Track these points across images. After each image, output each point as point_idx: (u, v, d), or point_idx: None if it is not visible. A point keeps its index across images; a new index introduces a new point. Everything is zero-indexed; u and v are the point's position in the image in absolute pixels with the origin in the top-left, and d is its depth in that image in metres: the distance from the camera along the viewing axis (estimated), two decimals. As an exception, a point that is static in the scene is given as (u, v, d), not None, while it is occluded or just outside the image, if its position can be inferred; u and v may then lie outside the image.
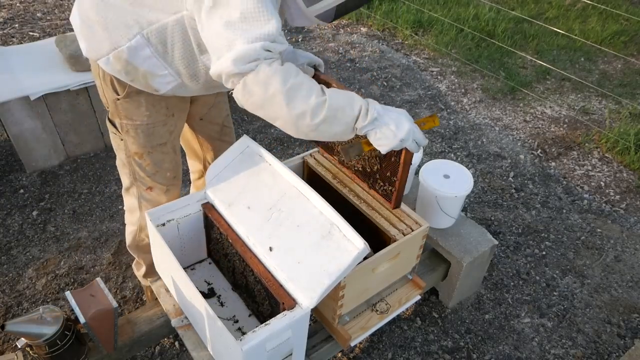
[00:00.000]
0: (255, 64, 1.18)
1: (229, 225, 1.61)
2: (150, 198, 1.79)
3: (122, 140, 1.65)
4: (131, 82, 1.48)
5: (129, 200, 1.84)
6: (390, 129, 1.29)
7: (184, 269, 1.89)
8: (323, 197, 1.80)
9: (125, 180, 1.79)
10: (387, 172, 1.59)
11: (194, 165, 2.09)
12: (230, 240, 1.58)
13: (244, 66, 1.19)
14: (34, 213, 2.61)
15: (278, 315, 1.37)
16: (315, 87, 1.24)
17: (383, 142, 1.31)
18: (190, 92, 1.57)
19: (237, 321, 1.70)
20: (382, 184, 1.65)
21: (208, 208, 1.68)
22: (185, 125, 1.87)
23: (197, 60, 1.41)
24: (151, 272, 2.02)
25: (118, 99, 1.54)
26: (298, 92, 1.21)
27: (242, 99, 1.25)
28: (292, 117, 1.24)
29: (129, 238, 1.95)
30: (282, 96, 1.20)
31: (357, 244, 1.37)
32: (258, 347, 1.32)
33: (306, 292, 1.39)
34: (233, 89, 1.26)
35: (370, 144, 1.34)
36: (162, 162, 1.69)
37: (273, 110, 1.24)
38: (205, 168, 2.02)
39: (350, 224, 1.43)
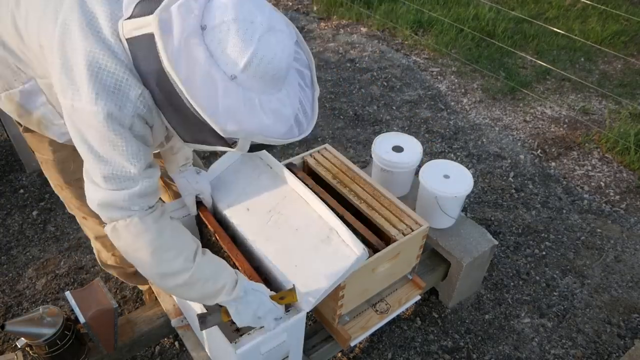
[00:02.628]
0: (126, 213, 1.16)
1: (217, 222, 1.61)
2: (90, 226, 1.73)
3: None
4: (26, 125, 1.40)
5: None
6: (252, 308, 1.28)
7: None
8: (323, 197, 1.80)
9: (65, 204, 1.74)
10: None
11: None
12: (217, 238, 1.58)
13: (112, 213, 1.16)
14: (34, 213, 2.61)
15: None
16: (185, 252, 1.21)
17: (242, 318, 1.29)
18: None
19: (234, 322, 1.70)
20: None
21: (200, 208, 1.68)
22: None
23: None
24: (130, 280, 2.01)
25: (22, 131, 1.47)
26: (165, 253, 1.19)
27: (110, 237, 1.22)
28: (153, 274, 1.23)
29: (97, 257, 1.92)
30: (148, 253, 1.18)
31: (355, 249, 1.37)
32: (253, 350, 1.32)
33: (303, 296, 1.39)
34: None
35: (229, 315, 1.32)
36: (83, 196, 1.51)
37: (137, 261, 1.22)
38: (164, 182, 1.94)
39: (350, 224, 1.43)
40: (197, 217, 1.70)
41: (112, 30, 1.05)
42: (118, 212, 1.16)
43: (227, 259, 1.55)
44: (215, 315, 1.34)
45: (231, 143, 1.05)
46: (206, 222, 1.63)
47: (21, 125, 1.44)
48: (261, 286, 1.34)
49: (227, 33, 0.97)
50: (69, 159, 1.50)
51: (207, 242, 1.74)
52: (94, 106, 1.04)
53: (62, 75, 1.07)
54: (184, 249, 1.22)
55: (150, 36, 0.98)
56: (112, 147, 1.09)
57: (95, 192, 1.16)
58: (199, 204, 1.67)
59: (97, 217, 1.63)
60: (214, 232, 1.59)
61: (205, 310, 1.35)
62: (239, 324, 1.30)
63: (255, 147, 1.08)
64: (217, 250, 1.67)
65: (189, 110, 1.00)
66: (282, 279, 1.46)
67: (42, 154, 1.52)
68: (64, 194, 1.63)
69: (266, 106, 1.03)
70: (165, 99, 1.04)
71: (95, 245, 1.83)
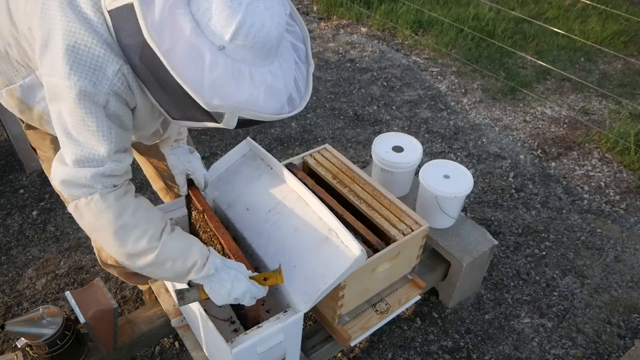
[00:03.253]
0: (87, 190, 1.12)
1: (207, 202, 1.55)
2: None
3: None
4: (27, 121, 1.39)
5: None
6: (225, 287, 1.24)
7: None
8: (322, 197, 1.80)
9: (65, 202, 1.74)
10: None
11: (155, 185, 2.02)
12: (206, 218, 1.51)
13: (74, 191, 1.12)
14: (34, 213, 2.61)
15: (271, 319, 1.37)
16: (150, 231, 1.16)
17: (216, 297, 1.26)
18: None
19: (233, 322, 1.70)
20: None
21: (190, 187, 1.61)
22: (135, 151, 1.81)
23: None
24: (130, 280, 2.01)
25: (24, 128, 1.46)
26: (129, 232, 1.15)
27: (74, 216, 1.18)
28: (118, 254, 1.18)
29: (97, 257, 1.92)
30: (111, 232, 1.14)
31: (354, 250, 1.37)
32: (249, 350, 1.32)
33: (300, 297, 1.39)
34: None
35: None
36: None
37: (102, 240, 1.18)
38: (166, 185, 1.95)
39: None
40: (187, 198, 1.64)
41: (93, 4, 1.02)
42: (79, 190, 1.12)
43: (213, 238, 1.50)
44: (193, 292, 1.29)
45: (218, 118, 0.99)
46: (195, 201, 1.55)
47: (23, 122, 1.44)
48: (239, 265, 1.28)
49: (213, 1, 0.93)
50: None
51: (195, 229, 1.68)
52: (67, 81, 1.00)
53: (42, 51, 1.04)
54: (150, 227, 1.17)
55: (131, 7, 0.94)
56: (83, 125, 1.05)
57: (60, 169, 1.12)
58: (190, 183, 1.60)
59: None
60: (202, 211, 1.52)
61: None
62: (217, 303, 1.27)
63: (243, 124, 1.03)
64: (205, 232, 1.61)
65: (174, 84, 0.95)
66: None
67: (43, 152, 1.51)
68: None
69: (257, 79, 0.99)
70: (149, 74, 0.99)
71: (96, 244, 1.83)
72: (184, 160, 1.55)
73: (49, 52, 1.03)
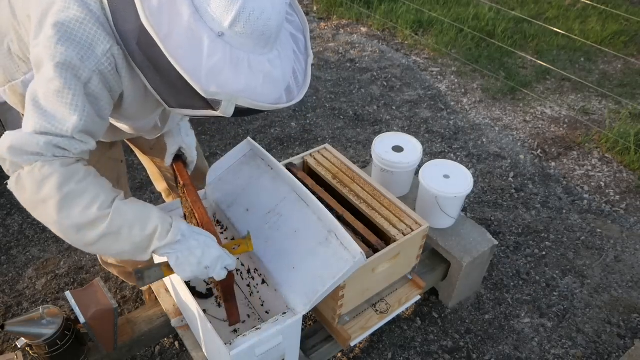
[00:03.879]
0: (35, 158, 1.01)
1: (189, 177, 1.50)
2: None
3: None
4: None
5: None
6: (195, 255, 1.13)
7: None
8: (322, 197, 1.80)
9: None
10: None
11: (158, 186, 2.01)
12: (186, 193, 1.46)
13: (19, 158, 1.01)
14: (34, 213, 2.60)
15: (269, 320, 1.37)
16: (101, 198, 1.05)
17: (184, 268, 1.14)
18: (102, 137, 1.41)
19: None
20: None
21: (176, 162, 1.57)
22: (139, 151, 1.81)
23: None
24: (130, 280, 2.02)
25: None
26: (76, 200, 1.03)
27: (15, 193, 1.06)
28: (65, 227, 1.05)
29: (97, 256, 1.93)
30: (54, 202, 1.02)
31: (354, 252, 1.37)
32: (247, 352, 1.32)
33: (299, 298, 1.38)
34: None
35: (171, 269, 1.16)
36: None
37: (45, 215, 1.05)
38: (169, 186, 1.94)
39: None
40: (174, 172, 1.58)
41: None
42: (26, 157, 1.01)
43: (192, 214, 1.42)
44: (154, 269, 1.18)
45: (215, 106, 0.96)
46: (178, 175, 1.49)
47: None
48: (207, 232, 1.20)
49: None
50: None
51: (181, 203, 1.64)
52: (52, 50, 0.97)
53: (36, 32, 1.01)
54: (100, 194, 1.06)
55: None
56: (57, 96, 0.99)
57: (12, 135, 1.02)
58: (177, 159, 1.54)
59: None
60: (183, 185, 1.47)
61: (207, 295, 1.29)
62: (184, 277, 1.15)
63: (240, 112, 0.99)
64: (186, 208, 1.56)
65: (171, 71, 0.93)
66: (280, 280, 1.45)
67: None
68: None
69: (256, 67, 0.98)
70: (146, 60, 0.97)
71: None
72: (176, 134, 1.51)
73: (42, 30, 1.00)
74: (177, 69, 0.92)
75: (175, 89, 0.98)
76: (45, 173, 1.01)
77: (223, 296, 1.34)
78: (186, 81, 0.93)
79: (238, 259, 1.24)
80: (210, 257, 1.15)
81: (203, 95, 0.94)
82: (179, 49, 0.92)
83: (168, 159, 1.51)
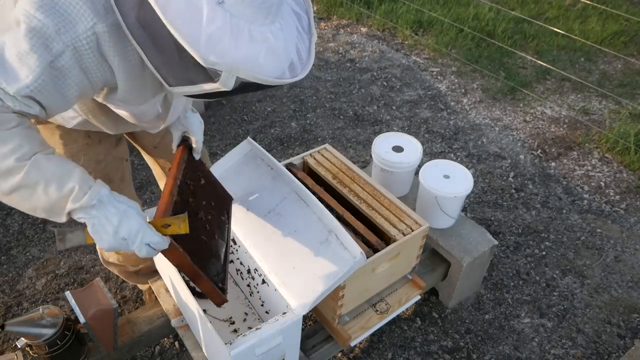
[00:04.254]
0: (26, 103, 0.99)
1: (184, 163, 1.45)
2: None
3: None
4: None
5: None
6: (111, 223, 1.05)
7: (184, 268, 1.90)
8: (322, 197, 1.80)
9: None
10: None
11: (162, 185, 1.97)
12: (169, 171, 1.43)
13: None
14: (34, 213, 2.61)
15: (269, 320, 1.37)
16: (23, 149, 0.99)
17: (101, 236, 1.06)
18: (105, 129, 1.41)
19: (233, 322, 1.70)
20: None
21: (181, 147, 1.53)
22: (144, 150, 1.80)
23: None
24: (130, 280, 2.02)
25: (35, 123, 1.39)
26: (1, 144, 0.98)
27: None
28: None
29: (99, 255, 1.93)
30: None
31: (354, 252, 1.37)
32: (247, 352, 1.32)
33: (299, 298, 1.38)
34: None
35: None
36: None
37: None
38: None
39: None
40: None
41: None
42: None
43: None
44: (77, 233, 1.10)
45: (215, 77, 0.93)
46: (175, 158, 1.42)
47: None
48: (134, 203, 1.11)
49: None
50: (79, 153, 1.49)
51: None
52: (30, 13, 0.94)
53: None
54: (24, 146, 0.99)
55: None
56: (18, 56, 0.95)
57: None
58: (183, 143, 1.49)
59: None
60: (169, 168, 1.42)
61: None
62: (102, 246, 1.08)
63: (242, 88, 0.96)
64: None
65: (170, 43, 0.91)
66: (280, 280, 1.45)
67: (54, 146, 1.49)
68: None
69: (257, 37, 0.94)
70: (145, 33, 0.94)
71: None
72: (181, 117, 1.48)
73: None
74: (176, 37, 0.89)
75: (174, 64, 0.96)
76: None
77: (188, 277, 1.25)
78: (186, 53, 0.90)
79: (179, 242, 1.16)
80: (127, 228, 1.06)
81: (202, 63, 0.90)
82: (178, 17, 0.90)
83: (174, 145, 1.48)
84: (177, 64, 0.95)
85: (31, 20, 0.94)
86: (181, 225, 1.09)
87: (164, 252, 1.14)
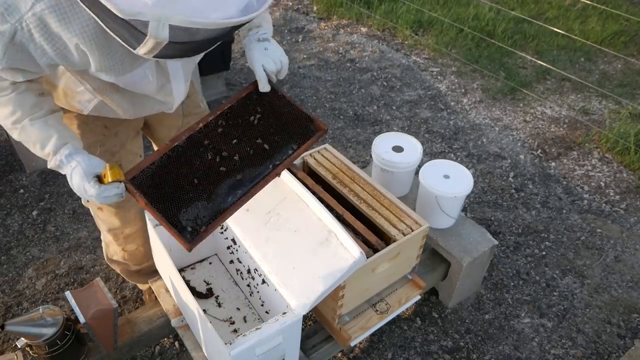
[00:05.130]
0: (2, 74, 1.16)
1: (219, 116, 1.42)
2: (103, 218, 1.73)
3: None
4: (56, 102, 1.38)
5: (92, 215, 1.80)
6: (73, 180, 1.24)
7: (185, 267, 1.90)
8: (322, 197, 1.80)
9: None
10: None
11: None
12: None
13: None
14: (34, 213, 2.61)
15: (269, 320, 1.37)
16: (16, 115, 1.20)
17: (73, 186, 1.25)
18: (122, 113, 1.44)
19: (233, 322, 1.70)
20: None
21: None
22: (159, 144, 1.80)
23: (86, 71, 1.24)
24: (132, 279, 2.02)
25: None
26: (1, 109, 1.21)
27: None
28: None
29: (104, 251, 1.94)
30: None
31: (353, 252, 1.37)
32: (247, 352, 1.32)
33: (299, 298, 1.38)
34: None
35: None
36: None
37: None
38: None
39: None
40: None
41: None
42: None
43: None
44: None
45: (143, 30, 0.87)
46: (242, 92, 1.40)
47: None
48: (91, 160, 1.24)
49: None
50: (96, 144, 1.51)
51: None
52: None
53: None
54: (17, 111, 1.20)
55: None
56: None
57: None
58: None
59: (114, 206, 1.65)
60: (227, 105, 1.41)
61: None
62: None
63: (180, 42, 0.90)
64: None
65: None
66: (280, 280, 1.45)
67: None
68: None
69: None
70: (97, 7, 0.91)
71: (106, 237, 1.83)
72: (255, 50, 1.42)
73: None
74: None
75: (122, 25, 0.92)
76: None
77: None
78: (112, 12, 0.86)
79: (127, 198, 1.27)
80: (73, 183, 1.24)
81: (120, 15, 0.85)
82: None
83: (264, 85, 1.42)
84: (122, 24, 0.91)
85: None
86: (114, 172, 1.22)
87: (133, 196, 1.28)
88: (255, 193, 1.38)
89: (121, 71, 1.20)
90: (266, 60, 1.40)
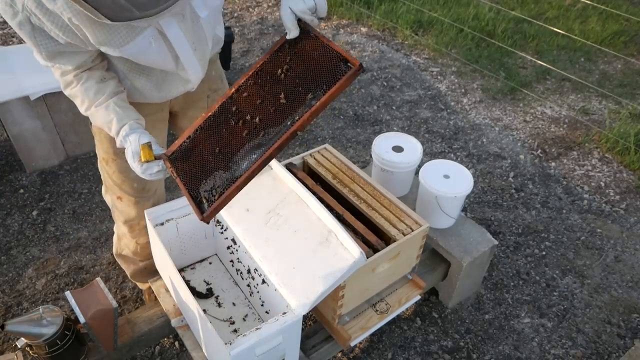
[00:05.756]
0: (52, 65, 1.29)
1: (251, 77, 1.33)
2: (122, 208, 1.76)
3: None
4: None
5: (109, 207, 1.84)
6: (128, 156, 1.35)
7: (185, 267, 1.90)
8: (322, 197, 1.80)
9: (103, 186, 1.79)
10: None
11: None
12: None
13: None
14: (34, 213, 2.61)
15: (269, 320, 1.37)
16: (85, 104, 1.35)
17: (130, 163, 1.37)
18: (149, 95, 1.49)
19: (233, 322, 1.70)
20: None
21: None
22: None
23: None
24: (136, 278, 2.03)
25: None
26: (74, 100, 1.37)
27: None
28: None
29: (114, 246, 1.95)
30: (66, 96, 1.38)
31: (353, 252, 1.37)
32: (247, 352, 1.32)
33: (299, 298, 1.38)
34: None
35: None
36: (128, 171, 1.60)
37: None
38: None
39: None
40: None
41: None
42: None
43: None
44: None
45: None
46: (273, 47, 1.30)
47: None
48: (141, 138, 1.32)
49: None
50: None
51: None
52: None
53: None
54: (85, 101, 1.34)
55: None
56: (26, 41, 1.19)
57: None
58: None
59: (134, 195, 1.70)
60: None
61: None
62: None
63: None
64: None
65: None
66: (280, 280, 1.45)
67: (100, 129, 1.58)
68: (109, 168, 1.66)
69: None
70: None
71: (121, 230, 1.85)
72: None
73: None
74: None
75: None
76: (63, 81, 1.34)
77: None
78: None
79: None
80: (129, 160, 1.35)
81: None
82: None
83: (293, 30, 1.32)
84: None
85: (2, 13, 1.13)
86: (141, 154, 1.31)
87: (171, 173, 1.35)
88: (272, 155, 1.22)
89: (120, 43, 1.21)
90: (293, 1, 1.25)
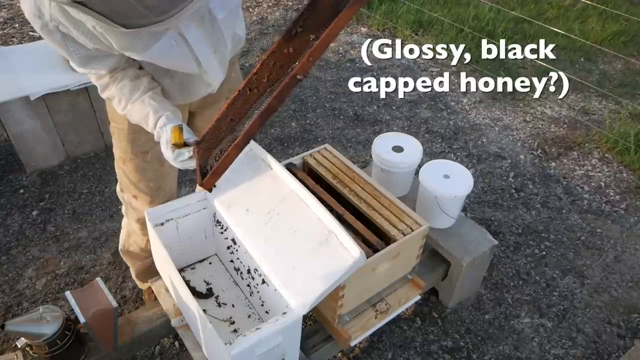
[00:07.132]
0: (87, 71, 1.32)
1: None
2: (136, 206, 1.77)
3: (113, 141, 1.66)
4: None
5: (123, 204, 1.85)
6: (162, 145, 1.39)
7: (185, 267, 1.90)
8: (322, 197, 1.80)
9: (118, 184, 1.81)
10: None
11: None
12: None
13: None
14: (34, 213, 2.61)
15: (269, 320, 1.37)
16: (122, 103, 1.38)
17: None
18: (172, 98, 1.50)
19: (233, 322, 1.70)
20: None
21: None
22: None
23: None
24: (140, 276, 2.03)
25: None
26: (112, 102, 1.41)
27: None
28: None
29: (120, 241, 1.96)
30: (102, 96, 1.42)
31: (353, 252, 1.36)
32: (247, 352, 1.31)
33: (299, 298, 1.38)
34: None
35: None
36: (145, 170, 1.66)
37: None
38: None
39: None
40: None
41: None
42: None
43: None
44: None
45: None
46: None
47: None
48: (172, 130, 1.35)
49: None
50: (142, 131, 1.53)
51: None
52: (24, 7, 1.13)
53: None
54: (121, 100, 1.38)
55: None
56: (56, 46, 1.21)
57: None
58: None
59: (149, 194, 1.72)
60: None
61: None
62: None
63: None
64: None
65: None
66: (280, 280, 1.45)
67: (117, 123, 1.59)
68: (126, 167, 1.67)
69: None
70: None
71: (132, 227, 1.86)
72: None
73: None
74: None
75: None
76: (99, 83, 1.37)
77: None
78: None
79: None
80: (163, 149, 1.38)
81: None
82: None
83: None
84: None
85: (27, 15, 1.14)
86: (171, 137, 1.33)
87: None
88: (271, 107, 1.15)
89: (143, 48, 1.22)
90: None
